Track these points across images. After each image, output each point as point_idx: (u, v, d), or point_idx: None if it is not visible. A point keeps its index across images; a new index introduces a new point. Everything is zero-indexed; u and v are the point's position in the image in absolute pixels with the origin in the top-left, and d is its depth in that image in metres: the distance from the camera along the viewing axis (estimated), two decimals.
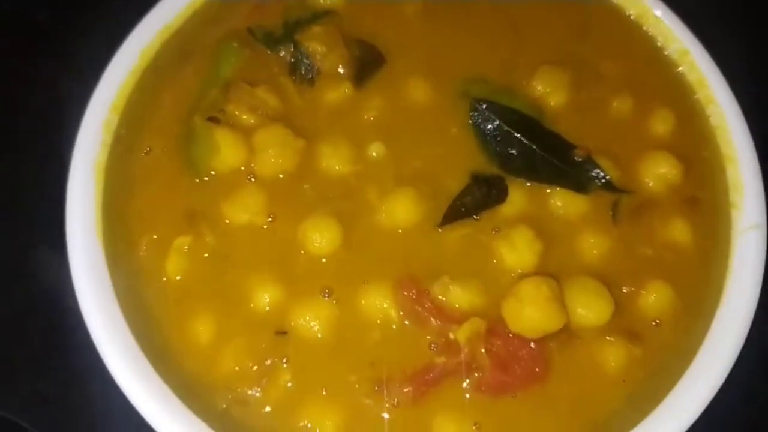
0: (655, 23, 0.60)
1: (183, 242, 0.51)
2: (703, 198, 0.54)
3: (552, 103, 0.57)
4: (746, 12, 0.68)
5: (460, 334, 0.47)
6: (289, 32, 0.59)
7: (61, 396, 0.52)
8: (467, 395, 0.47)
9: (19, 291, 0.55)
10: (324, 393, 0.47)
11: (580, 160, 0.54)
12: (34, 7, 0.67)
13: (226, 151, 0.53)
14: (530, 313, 0.46)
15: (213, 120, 0.54)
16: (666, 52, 0.59)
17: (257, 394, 0.47)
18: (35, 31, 0.66)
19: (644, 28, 0.61)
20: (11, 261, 0.57)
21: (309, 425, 0.46)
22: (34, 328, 0.55)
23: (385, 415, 0.46)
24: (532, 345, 0.48)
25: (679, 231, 0.53)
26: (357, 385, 0.47)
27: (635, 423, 0.46)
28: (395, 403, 0.47)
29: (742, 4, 0.69)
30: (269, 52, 0.58)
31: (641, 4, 0.61)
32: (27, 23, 0.66)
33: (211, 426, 0.45)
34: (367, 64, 0.58)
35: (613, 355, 0.49)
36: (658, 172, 0.54)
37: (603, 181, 0.54)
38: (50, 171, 0.52)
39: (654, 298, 0.50)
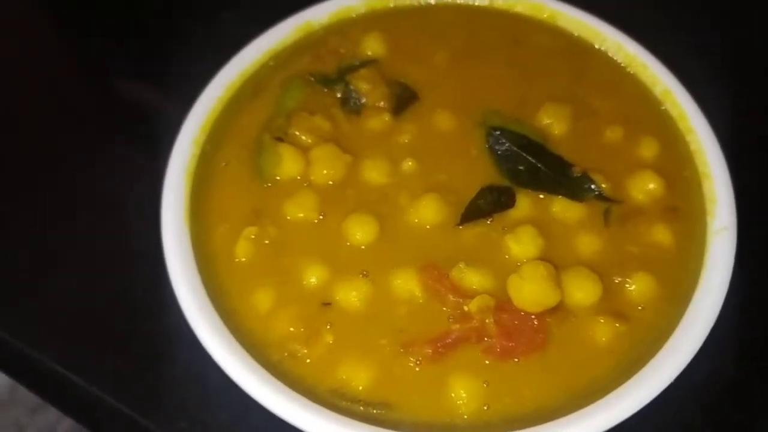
0: (642, 68, 0.71)
1: (250, 231, 0.62)
2: (682, 207, 0.63)
3: (555, 132, 0.67)
4: (722, 56, 0.79)
5: (472, 306, 0.56)
6: (341, 75, 0.72)
7: (151, 355, 0.63)
8: (478, 358, 0.56)
9: (123, 272, 0.68)
10: (359, 352, 0.56)
11: (578, 175, 0.64)
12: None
13: (288, 163, 0.65)
14: (529, 288, 0.56)
15: (278, 139, 0.67)
16: (652, 92, 0.70)
17: (305, 351, 0.57)
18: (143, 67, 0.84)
19: (632, 72, 0.72)
20: (117, 246, 0.69)
21: (346, 377, 0.56)
22: (133, 300, 0.66)
23: (410, 371, 0.56)
24: (534, 320, 0.57)
25: (661, 233, 0.61)
26: (387, 348, 0.56)
27: (620, 384, 0.54)
28: (418, 362, 0.56)
29: (719, 50, 0.80)
30: (325, 90, 0.71)
31: (628, 53, 0.72)
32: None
33: (270, 371, 0.55)
34: (403, 99, 0.70)
35: (603, 332, 0.57)
36: (644, 187, 0.64)
37: (596, 192, 0.64)
38: (151, 175, 0.65)
39: (639, 287, 0.59)
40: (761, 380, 0.62)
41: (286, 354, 0.57)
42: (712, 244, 0.60)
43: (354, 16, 0.78)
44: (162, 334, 0.63)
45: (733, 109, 0.68)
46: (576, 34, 0.75)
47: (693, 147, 0.66)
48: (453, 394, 0.55)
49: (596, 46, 0.74)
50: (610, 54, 0.74)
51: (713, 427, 0.60)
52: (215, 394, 0.60)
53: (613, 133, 0.68)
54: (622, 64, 0.73)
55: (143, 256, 0.63)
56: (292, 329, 0.58)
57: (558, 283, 0.57)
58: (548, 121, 0.68)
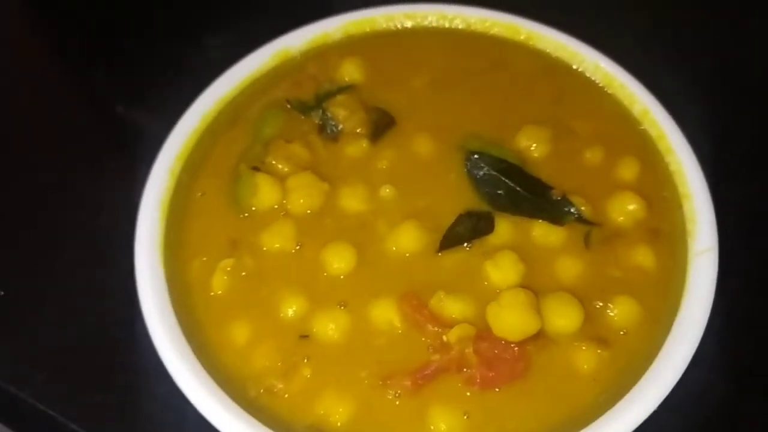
0: (620, 88, 0.71)
1: (227, 264, 0.61)
2: (663, 229, 0.63)
3: (534, 154, 0.67)
4: (701, 75, 0.79)
5: (452, 335, 0.55)
6: (319, 101, 0.71)
7: (128, 392, 0.62)
8: (458, 389, 0.55)
9: (100, 308, 0.66)
10: (338, 386, 0.55)
11: (557, 198, 0.64)
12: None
13: (264, 192, 0.64)
14: (509, 316, 0.55)
15: (255, 168, 0.67)
16: (630, 112, 0.70)
17: (282, 385, 0.55)
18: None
19: (611, 93, 0.72)
20: (87, 278, 0.68)
21: (324, 412, 0.54)
22: (109, 336, 0.65)
23: (389, 404, 0.54)
24: (515, 348, 0.56)
25: (642, 256, 0.61)
26: (366, 381, 0.55)
27: (604, 411, 0.52)
28: (397, 395, 0.55)
29: (697, 69, 0.80)
30: (303, 117, 0.71)
31: (607, 73, 0.72)
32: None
33: (244, 408, 0.53)
34: (381, 125, 0.70)
35: (585, 359, 0.56)
36: (625, 209, 0.63)
37: (576, 215, 0.63)
38: (127, 207, 0.64)
39: (621, 311, 0.58)
40: (747, 400, 0.61)
41: (262, 390, 0.56)
42: (694, 265, 0.59)
43: (331, 41, 0.78)
44: (138, 371, 0.61)
45: (712, 127, 0.68)
46: (554, 55, 0.75)
47: (673, 167, 0.66)
48: (433, 427, 0.54)
49: (574, 67, 0.74)
50: (588, 74, 0.73)
51: None
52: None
53: (593, 155, 0.67)
54: (601, 84, 0.73)
55: (119, 290, 0.62)
56: (269, 363, 0.57)
57: (538, 310, 0.56)
58: (527, 144, 0.68)
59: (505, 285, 0.59)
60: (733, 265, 0.60)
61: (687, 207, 0.63)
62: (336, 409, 0.54)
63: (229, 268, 0.61)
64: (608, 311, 0.58)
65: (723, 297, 0.58)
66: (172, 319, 0.58)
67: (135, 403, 0.62)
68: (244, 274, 0.61)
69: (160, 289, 0.59)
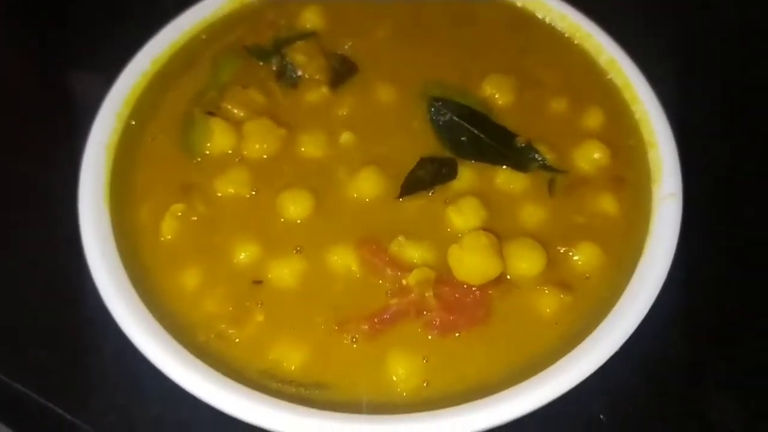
0: (587, 38, 0.70)
1: (177, 208, 0.58)
2: (628, 176, 0.61)
3: (499, 103, 0.66)
4: (667, 25, 0.79)
5: (411, 279, 0.54)
6: (277, 47, 0.69)
7: (76, 347, 0.59)
8: (418, 333, 0.53)
9: (45, 261, 0.63)
10: (292, 331, 0.53)
11: (522, 146, 0.62)
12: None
13: (219, 137, 0.62)
14: (470, 258, 0.53)
15: (210, 113, 0.64)
16: (596, 62, 0.69)
17: (233, 330, 0.53)
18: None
19: (577, 43, 0.71)
20: (36, 233, 0.65)
21: (278, 357, 0.52)
22: (56, 290, 0.62)
23: (346, 349, 0.52)
24: (476, 292, 0.54)
25: (607, 202, 0.60)
26: (322, 326, 0.53)
27: (565, 355, 0.51)
28: (354, 340, 0.53)
29: (663, 18, 0.80)
30: (261, 63, 0.68)
31: (573, 23, 0.71)
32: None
33: (194, 354, 0.51)
34: (342, 72, 0.68)
35: (548, 303, 0.55)
36: (590, 157, 0.62)
37: (541, 162, 0.62)
38: (70, 150, 0.61)
39: (584, 256, 0.57)
40: (707, 347, 0.60)
41: (213, 335, 0.53)
42: (658, 211, 0.58)
43: None
44: (87, 324, 0.58)
45: (678, 77, 0.67)
46: (520, 5, 0.73)
47: (638, 116, 0.65)
48: (391, 372, 0.52)
49: (540, 17, 0.73)
50: (554, 25, 0.72)
51: (659, 396, 0.58)
52: (143, 382, 0.55)
53: (558, 104, 0.66)
54: (567, 35, 0.71)
55: (65, 241, 0.58)
56: (220, 309, 0.54)
57: (500, 253, 0.54)
58: (492, 92, 0.66)
59: (466, 230, 0.57)
60: (697, 211, 0.59)
61: (652, 154, 0.62)
62: (290, 354, 0.52)
63: (179, 213, 0.58)
64: (572, 256, 0.57)
65: (686, 243, 0.57)
66: (117, 263, 0.55)
67: (87, 359, 0.59)
68: (195, 219, 0.58)
69: (105, 234, 0.56)
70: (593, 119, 0.65)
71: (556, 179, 0.61)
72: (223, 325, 0.53)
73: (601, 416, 0.57)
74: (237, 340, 0.53)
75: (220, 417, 0.49)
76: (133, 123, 0.64)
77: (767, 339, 0.60)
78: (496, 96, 0.66)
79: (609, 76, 0.68)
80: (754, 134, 0.73)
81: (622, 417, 0.57)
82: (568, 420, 0.55)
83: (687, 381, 0.59)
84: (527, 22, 0.73)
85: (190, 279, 0.56)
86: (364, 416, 0.49)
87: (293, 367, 0.52)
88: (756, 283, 0.64)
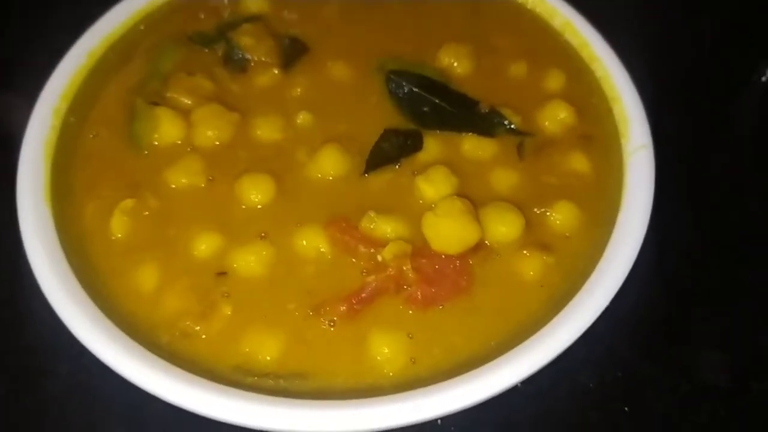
0: (540, 3, 0.68)
1: (126, 204, 0.54)
2: (595, 134, 0.60)
3: (458, 71, 0.64)
4: None
5: (386, 253, 0.51)
6: (221, 32, 0.65)
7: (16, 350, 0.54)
8: (399, 310, 0.50)
9: None
10: (264, 321, 0.49)
11: (486, 111, 0.61)
12: None
13: (166, 126, 0.58)
14: (447, 225, 0.51)
15: (154, 104, 0.60)
16: (550, 24, 0.68)
17: (198, 327, 0.49)
18: None
19: (530, 8, 0.69)
20: None
21: (250, 350, 0.48)
22: None
23: (324, 333, 0.49)
24: (456, 261, 0.52)
25: (577, 161, 0.58)
26: (296, 312, 0.50)
27: (554, 315, 0.49)
28: (331, 323, 0.49)
29: None
30: (206, 50, 0.65)
31: None
32: None
33: (158, 355, 0.47)
34: (292, 52, 0.65)
35: (531, 266, 0.53)
36: (555, 117, 0.61)
37: (507, 126, 0.60)
38: (5, 151, 0.56)
39: (562, 216, 0.55)
40: (691, 301, 0.58)
41: (177, 333, 0.49)
42: (630, 164, 0.57)
43: None
44: (37, 335, 0.53)
45: (635, 31, 0.66)
46: None
47: (599, 74, 0.64)
48: (374, 352, 0.48)
49: None
50: None
51: (647, 358, 0.56)
52: (109, 398, 0.51)
53: (518, 69, 0.65)
54: (520, 1, 0.70)
55: (6, 250, 0.53)
56: (182, 305, 0.50)
57: (477, 218, 0.52)
58: (450, 61, 0.64)
59: (438, 199, 0.54)
60: (668, 161, 0.58)
61: (617, 110, 0.61)
62: (263, 345, 0.49)
63: (129, 209, 0.54)
64: (549, 216, 0.55)
65: (661, 193, 0.55)
66: (66, 269, 0.50)
67: (38, 367, 0.53)
68: (146, 213, 0.54)
69: (49, 239, 0.52)
70: (554, 81, 0.64)
71: (524, 142, 0.59)
72: (188, 322, 0.49)
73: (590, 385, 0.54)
74: (204, 336, 0.49)
75: (199, 420, 0.45)
76: (72, 119, 0.59)
77: (753, 288, 0.59)
78: (455, 65, 0.64)
79: (565, 37, 0.67)
80: (718, 77, 0.72)
81: (611, 382, 0.55)
82: (556, 390, 0.52)
83: (674, 339, 0.58)
84: None
85: (148, 277, 0.51)
86: (349, 402, 0.45)
87: (269, 359, 0.48)
88: (735, 224, 0.62)
